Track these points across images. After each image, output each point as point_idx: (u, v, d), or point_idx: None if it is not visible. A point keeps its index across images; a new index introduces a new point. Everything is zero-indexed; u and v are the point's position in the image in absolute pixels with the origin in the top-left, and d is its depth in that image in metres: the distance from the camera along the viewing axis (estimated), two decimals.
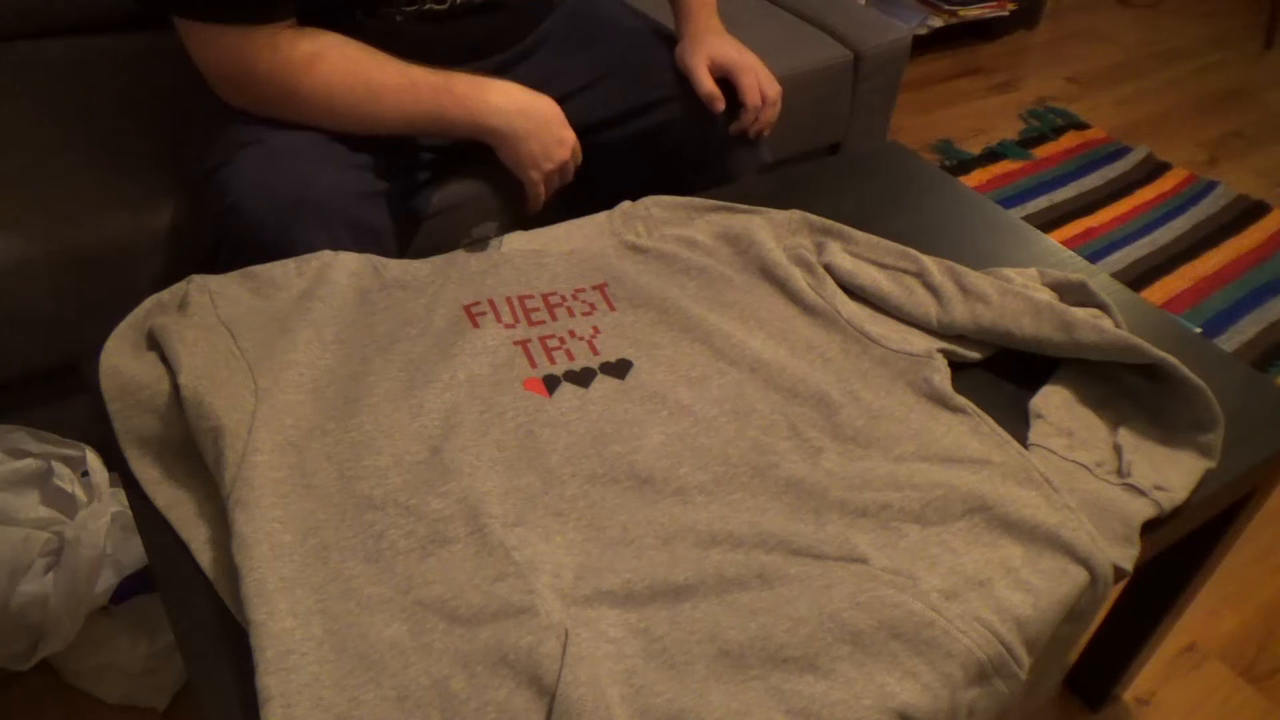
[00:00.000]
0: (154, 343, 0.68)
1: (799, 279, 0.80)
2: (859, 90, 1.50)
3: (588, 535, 0.61)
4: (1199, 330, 1.61)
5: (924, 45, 2.39)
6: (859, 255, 0.83)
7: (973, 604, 0.58)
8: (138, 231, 0.97)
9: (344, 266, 0.77)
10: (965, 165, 2.02)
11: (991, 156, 2.06)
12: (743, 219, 0.86)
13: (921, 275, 0.80)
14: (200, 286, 0.72)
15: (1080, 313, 0.75)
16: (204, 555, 0.60)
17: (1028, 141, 2.12)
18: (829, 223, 0.86)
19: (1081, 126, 2.20)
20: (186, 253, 0.99)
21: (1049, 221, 1.85)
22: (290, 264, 0.76)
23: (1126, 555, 0.64)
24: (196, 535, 0.61)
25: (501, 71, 1.01)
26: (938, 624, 0.56)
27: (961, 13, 2.37)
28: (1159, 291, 1.70)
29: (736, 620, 0.56)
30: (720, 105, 0.94)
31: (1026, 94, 2.34)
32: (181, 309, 0.71)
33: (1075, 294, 0.81)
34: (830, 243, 0.84)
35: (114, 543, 0.93)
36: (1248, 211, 1.94)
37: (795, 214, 0.86)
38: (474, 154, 0.97)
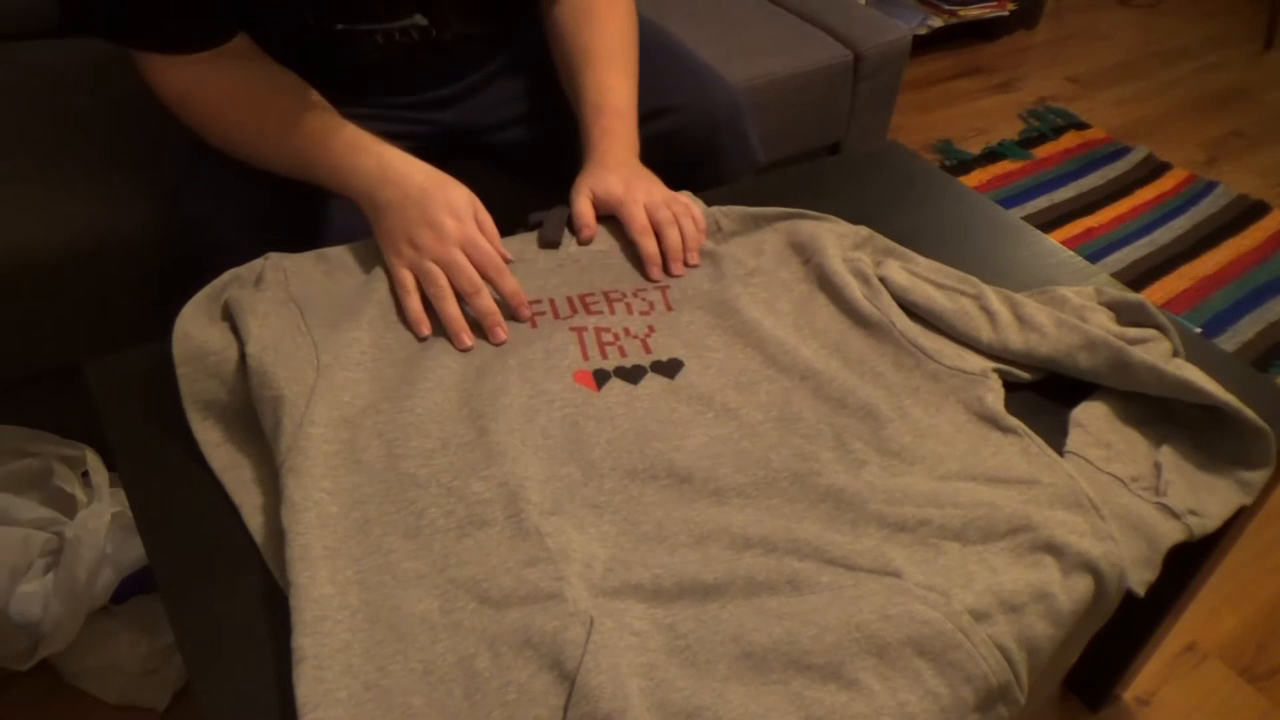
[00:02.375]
0: (228, 314, 0.71)
1: (854, 289, 0.79)
2: (859, 90, 1.50)
3: (622, 529, 0.61)
4: (1199, 330, 1.61)
5: (924, 45, 2.39)
6: (916, 274, 0.82)
7: (1000, 628, 0.57)
8: (137, 231, 0.97)
9: None
10: (965, 165, 2.02)
11: (991, 156, 2.06)
12: (811, 225, 0.85)
13: (979, 299, 0.79)
14: (276, 264, 0.75)
15: (1138, 351, 0.72)
16: (254, 519, 0.62)
17: (1028, 141, 2.12)
18: (892, 244, 0.85)
19: (1081, 126, 2.20)
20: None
21: (1049, 221, 1.85)
22: (361, 246, 0.79)
23: (1142, 580, 0.63)
24: (248, 500, 0.63)
25: (483, 86, 1.01)
26: (964, 647, 0.55)
27: (961, 13, 2.37)
28: (1159, 291, 1.70)
29: (762, 623, 0.56)
30: (588, 233, 0.82)
31: (1026, 94, 2.34)
32: (257, 284, 0.73)
33: (1133, 313, 0.79)
34: (889, 260, 0.84)
35: (114, 543, 0.93)
36: (1248, 211, 1.94)
37: (863, 230, 0.86)
38: (466, 151, 0.97)
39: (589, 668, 0.52)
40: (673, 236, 0.82)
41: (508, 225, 0.81)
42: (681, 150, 1.00)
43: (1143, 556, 0.64)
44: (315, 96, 0.82)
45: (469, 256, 0.74)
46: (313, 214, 0.85)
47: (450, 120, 1.01)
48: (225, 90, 0.80)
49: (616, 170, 0.85)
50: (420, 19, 0.89)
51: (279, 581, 0.58)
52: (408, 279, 0.74)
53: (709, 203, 0.88)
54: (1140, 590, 0.63)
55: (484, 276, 0.74)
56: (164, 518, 0.63)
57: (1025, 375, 0.76)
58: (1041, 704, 1.06)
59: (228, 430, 0.67)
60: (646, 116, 0.94)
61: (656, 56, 1.01)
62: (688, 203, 0.86)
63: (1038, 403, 0.75)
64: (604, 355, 0.73)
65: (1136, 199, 1.96)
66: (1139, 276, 1.73)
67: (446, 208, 0.76)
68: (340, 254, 0.79)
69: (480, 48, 1.00)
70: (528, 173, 1.03)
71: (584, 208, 0.83)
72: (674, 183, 0.88)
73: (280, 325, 0.69)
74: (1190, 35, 2.71)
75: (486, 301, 0.73)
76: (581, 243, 0.82)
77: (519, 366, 0.70)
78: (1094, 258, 1.75)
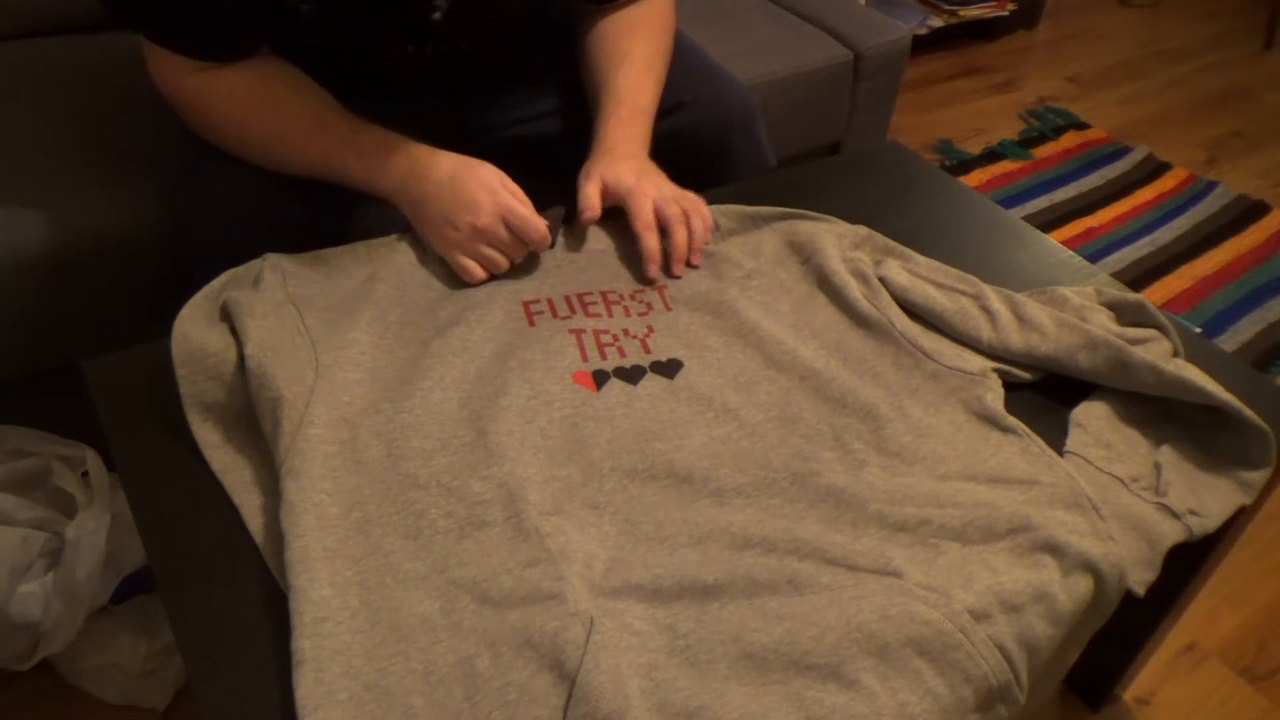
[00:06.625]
0: (226, 315, 0.71)
1: (854, 289, 0.79)
2: (859, 90, 1.50)
3: (622, 529, 0.61)
4: (1199, 330, 1.61)
5: (924, 45, 2.39)
6: (916, 274, 0.82)
7: (1000, 628, 0.57)
8: (137, 231, 0.97)
9: (409, 250, 0.79)
10: (965, 165, 2.02)
11: (991, 156, 2.06)
12: (809, 225, 0.86)
13: (979, 299, 0.79)
14: (274, 265, 0.75)
15: (1139, 351, 0.72)
16: (254, 521, 0.62)
17: (1028, 141, 2.12)
18: (892, 243, 0.85)
19: (1081, 126, 2.20)
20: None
21: (1049, 221, 1.85)
22: (360, 247, 0.79)
23: (1142, 580, 0.63)
24: (249, 501, 0.63)
25: (502, 91, 1.02)
26: (964, 647, 0.56)
27: (961, 13, 2.37)
28: (1159, 291, 1.70)
29: (763, 624, 0.56)
30: (589, 215, 0.82)
31: (1026, 94, 2.34)
32: (255, 285, 0.73)
33: (1133, 314, 0.79)
34: (889, 260, 0.84)
35: (114, 543, 0.93)
36: (1248, 211, 1.94)
37: (861, 229, 0.86)
38: (482, 147, 0.97)
39: (589, 668, 0.52)
40: (680, 235, 0.82)
41: None
42: (693, 148, 1.01)
43: (1143, 556, 0.64)
44: (333, 99, 0.82)
45: (508, 224, 0.77)
46: (312, 215, 0.85)
47: (467, 121, 1.01)
48: (244, 94, 0.80)
49: (627, 161, 0.84)
50: (444, 29, 0.88)
51: (279, 583, 0.58)
52: (470, 267, 0.77)
53: (708, 202, 0.88)
54: (1140, 590, 0.63)
55: (524, 240, 0.77)
56: (164, 518, 0.63)
57: (1025, 375, 0.76)
58: (1041, 704, 1.06)
59: (227, 431, 0.67)
60: (662, 112, 0.94)
61: (676, 55, 1.02)
62: (697, 200, 0.85)
63: (1038, 403, 0.75)
64: (603, 356, 0.73)
65: (1136, 199, 1.96)
66: (1139, 276, 1.73)
67: (480, 185, 0.77)
68: (339, 255, 0.79)
69: (501, 58, 1.00)
70: (540, 169, 1.04)
71: (592, 191, 0.82)
72: (683, 182, 0.88)
73: (279, 326, 0.69)
74: (1190, 35, 2.71)
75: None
76: (583, 223, 0.83)
77: (518, 368, 0.70)
78: (1094, 258, 1.75)
